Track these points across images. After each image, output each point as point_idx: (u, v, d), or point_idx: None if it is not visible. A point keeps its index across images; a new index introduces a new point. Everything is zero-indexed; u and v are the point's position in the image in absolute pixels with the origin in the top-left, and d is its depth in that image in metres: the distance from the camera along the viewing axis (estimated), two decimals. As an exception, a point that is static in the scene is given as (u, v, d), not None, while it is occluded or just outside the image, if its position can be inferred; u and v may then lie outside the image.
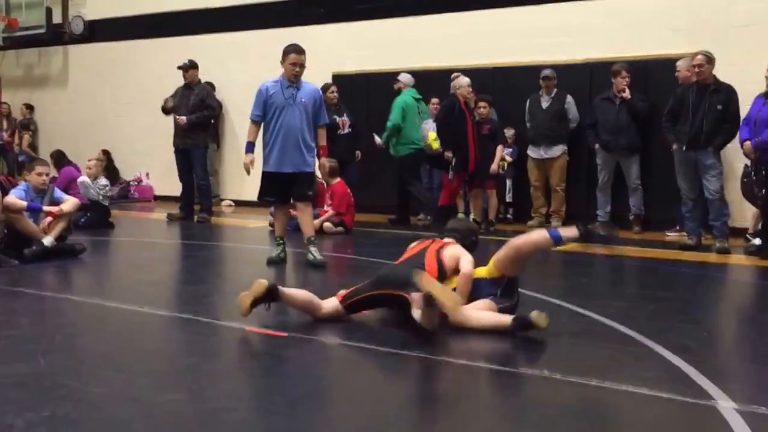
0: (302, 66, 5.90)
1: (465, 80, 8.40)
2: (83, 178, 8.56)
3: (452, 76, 8.57)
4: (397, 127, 8.78)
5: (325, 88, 8.84)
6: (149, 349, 3.69)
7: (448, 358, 3.49)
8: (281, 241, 6.11)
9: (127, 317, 4.29)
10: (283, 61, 5.93)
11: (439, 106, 8.81)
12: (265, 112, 5.93)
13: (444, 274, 4.06)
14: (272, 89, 5.92)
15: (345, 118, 8.95)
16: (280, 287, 3.98)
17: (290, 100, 5.87)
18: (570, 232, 4.00)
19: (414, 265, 4.03)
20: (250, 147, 6.00)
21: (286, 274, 5.90)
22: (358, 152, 9.27)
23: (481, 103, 8.63)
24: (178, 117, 9.09)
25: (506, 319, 3.83)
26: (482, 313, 3.93)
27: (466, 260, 4.10)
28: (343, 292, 4.11)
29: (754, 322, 4.60)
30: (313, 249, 5.98)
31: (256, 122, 5.99)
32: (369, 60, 10.29)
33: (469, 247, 4.32)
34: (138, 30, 12.53)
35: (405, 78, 9.17)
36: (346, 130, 8.95)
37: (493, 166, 8.62)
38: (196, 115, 9.09)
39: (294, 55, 5.86)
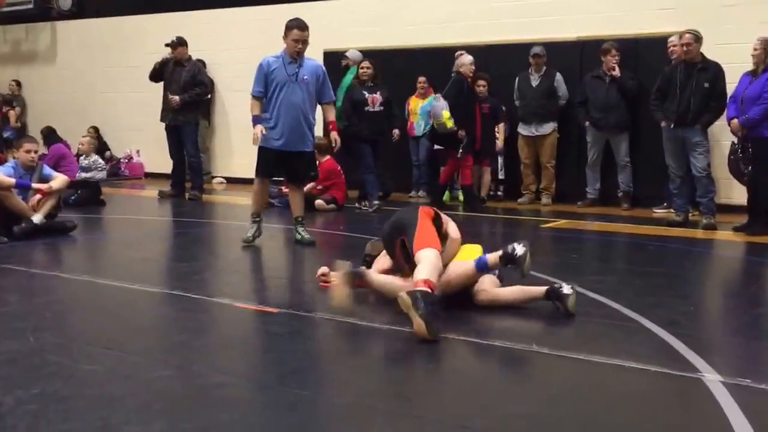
0: (305, 42, 5.72)
1: (468, 58, 8.30)
2: (81, 175, 8.56)
3: (456, 54, 8.44)
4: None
5: (361, 64, 8.48)
6: (140, 326, 3.69)
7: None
8: (257, 218, 5.97)
9: (118, 294, 4.29)
10: (285, 37, 5.75)
11: (449, 84, 8.41)
12: (266, 87, 5.78)
13: (441, 226, 4.04)
14: (274, 65, 5.74)
15: (377, 95, 8.32)
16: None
17: (293, 78, 5.71)
18: (493, 258, 3.86)
19: (415, 208, 4.05)
20: (257, 119, 5.74)
21: (278, 252, 5.91)
22: (396, 131, 8.66)
23: (481, 82, 8.59)
24: (170, 96, 9.01)
25: (538, 289, 3.91)
26: (508, 289, 3.97)
27: (455, 227, 4.12)
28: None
29: (740, 296, 4.65)
30: (301, 229, 5.93)
31: (257, 98, 5.78)
32: (361, 38, 10.21)
33: None
34: (127, 6, 12.39)
35: (353, 55, 9.15)
36: (377, 108, 8.32)
37: (500, 143, 8.70)
38: (189, 94, 9.02)
39: (297, 31, 5.67)
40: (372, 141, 8.31)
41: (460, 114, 8.09)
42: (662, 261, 5.68)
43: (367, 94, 8.31)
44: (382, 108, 8.35)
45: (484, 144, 8.53)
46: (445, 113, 8.06)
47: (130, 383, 2.80)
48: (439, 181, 8.70)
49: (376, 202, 8.22)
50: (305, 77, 5.76)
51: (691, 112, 6.95)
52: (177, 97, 8.95)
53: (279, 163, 5.85)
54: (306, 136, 5.87)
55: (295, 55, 5.72)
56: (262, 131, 5.67)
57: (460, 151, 8.20)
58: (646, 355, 3.14)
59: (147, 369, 2.95)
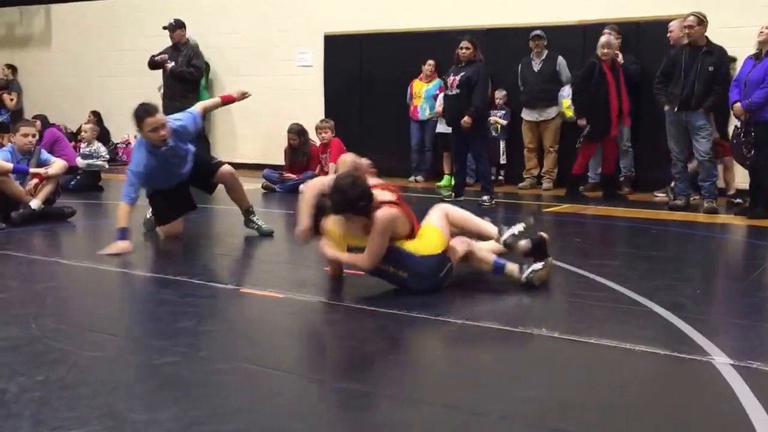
0: (164, 125, 5.04)
1: (606, 39, 7.75)
2: (80, 161, 8.50)
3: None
4: None
5: (460, 44, 7.50)
6: (144, 312, 3.65)
7: (446, 318, 3.47)
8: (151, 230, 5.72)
9: (120, 280, 4.26)
10: (140, 130, 5.09)
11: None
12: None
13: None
14: (149, 164, 5.11)
15: (457, 77, 7.43)
16: None
17: (171, 159, 5.22)
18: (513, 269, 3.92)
19: None
20: (123, 234, 4.95)
21: (281, 237, 5.87)
22: (465, 118, 7.33)
23: None
24: (166, 62, 9.00)
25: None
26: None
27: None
28: None
29: (745, 279, 4.63)
30: (255, 218, 5.62)
31: (131, 205, 5.12)
32: (361, 21, 10.13)
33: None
34: (122, -12, 12.27)
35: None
36: (454, 91, 7.45)
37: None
38: (180, 68, 8.95)
39: (149, 119, 4.99)
40: (454, 129, 7.68)
41: (585, 101, 7.68)
42: (665, 245, 5.68)
43: (451, 76, 7.56)
44: (458, 91, 7.45)
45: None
46: (565, 102, 7.76)
47: (136, 370, 2.77)
48: (573, 171, 8.11)
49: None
50: (183, 151, 5.28)
51: (694, 96, 6.90)
52: (171, 64, 8.92)
53: (177, 197, 5.45)
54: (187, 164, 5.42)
55: (162, 143, 5.08)
56: (125, 249, 4.91)
57: (579, 140, 7.82)
58: (655, 339, 3.13)
59: (152, 355, 2.92)
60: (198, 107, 5.59)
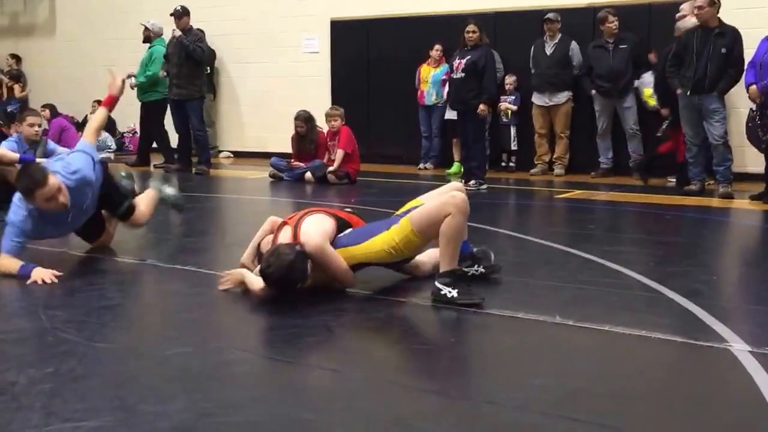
0: (59, 189, 3.95)
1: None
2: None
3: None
4: (156, 77, 9.22)
5: (466, 28, 7.51)
6: (153, 303, 3.63)
7: (458, 306, 3.43)
8: None
9: (129, 270, 4.24)
10: (32, 200, 3.96)
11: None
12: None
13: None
14: (37, 228, 4.10)
15: (463, 60, 7.41)
16: None
17: (72, 216, 4.22)
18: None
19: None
20: (25, 270, 3.93)
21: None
22: (481, 106, 7.35)
23: None
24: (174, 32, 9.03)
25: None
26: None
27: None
28: None
29: (761, 265, 4.57)
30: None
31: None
32: (368, 6, 10.04)
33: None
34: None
35: (157, 27, 9.31)
36: (458, 75, 7.49)
37: None
38: (188, 40, 8.91)
39: (40, 191, 3.88)
40: (459, 113, 7.76)
41: (665, 88, 7.30)
42: (680, 230, 5.62)
43: (456, 60, 7.56)
44: (463, 75, 7.45)
45: None
46: (647, 91, 7.54)
47: (146, 361, 2.74)
48: (658, 153, 7.84)
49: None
50: (86, 203, 4.27)
51: (707, 79, 6.79)
52: (179, 33, 8.92)
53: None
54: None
55: (63, 208, 4.04)
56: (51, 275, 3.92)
57: (661, 129, 7.53)
58: (670, 326, 3.08)
59: (162, 346, 2.89)
60: (87, 135, 4.59)
